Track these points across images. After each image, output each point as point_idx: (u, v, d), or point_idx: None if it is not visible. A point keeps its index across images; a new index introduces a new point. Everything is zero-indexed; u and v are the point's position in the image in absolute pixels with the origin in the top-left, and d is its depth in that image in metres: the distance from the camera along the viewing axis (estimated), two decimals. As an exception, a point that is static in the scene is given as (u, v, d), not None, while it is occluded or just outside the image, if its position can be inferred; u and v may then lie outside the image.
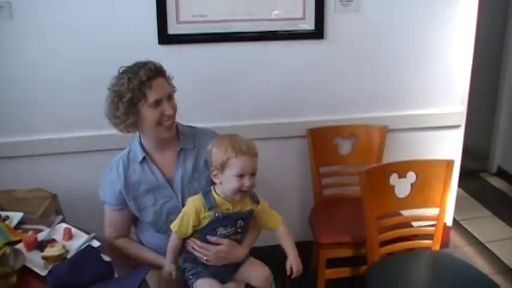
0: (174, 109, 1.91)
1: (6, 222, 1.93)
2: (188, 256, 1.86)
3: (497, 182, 4.14)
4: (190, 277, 1.84)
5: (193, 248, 1.83)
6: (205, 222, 1.80)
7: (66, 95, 2.56)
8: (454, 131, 3.03)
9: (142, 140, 1.98)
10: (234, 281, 1.94)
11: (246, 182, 1.75)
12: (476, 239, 3.31)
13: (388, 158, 2.81)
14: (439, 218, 2.33)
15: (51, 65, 2.50)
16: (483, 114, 4.10)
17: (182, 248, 1.88)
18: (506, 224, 3.48)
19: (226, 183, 1.78)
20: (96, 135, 2.58)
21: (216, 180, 1.81)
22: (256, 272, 1.90)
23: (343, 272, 2.59)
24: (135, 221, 2.07)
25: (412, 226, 2.45)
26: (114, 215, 2.02)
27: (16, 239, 1.81)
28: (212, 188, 1.83)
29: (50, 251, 1.72)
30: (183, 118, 2.03)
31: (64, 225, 1.94)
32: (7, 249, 1.68)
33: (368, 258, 2.30)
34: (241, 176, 1.75)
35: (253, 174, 1.77)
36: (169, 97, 1.90)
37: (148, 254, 2.01)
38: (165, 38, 2.55)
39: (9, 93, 2.51)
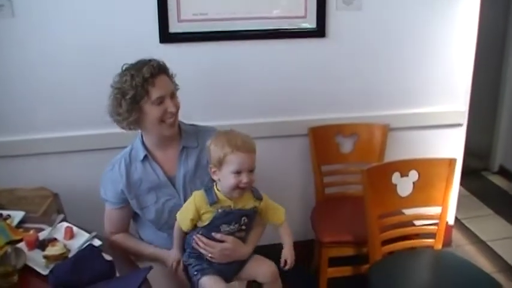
0: (177, 107, 1.91)
1: (8, 221, 1.93)
2: (193, 252, 1.86)
3: (499, 181, 4.14)
4: (196, 273, 1.83)
5: (198, 245, 1.82)
6: (207, 218, 1.79)
7: (67, 94, 2.55)
8: (456, 130, 3.03)
9: (144, 139, 1.98)
10: (237, 279, 1.93)
11: (244, 178, 1.74)
12: (478, 238, 3.31)
13: (390, 156, 2.81)
14: (441, 216, 2.32)
15: (52, 64, 2.50)
16: (485, 112, 4.09)
17: (187, 243, 1.88)
18: (508, 223, 3.47)
19: (224, 180, 1.77)
20: (97, 133, 2.58)
21: (214, 177, 1.81)
22: (263, 268, 1.90)
23: (345, 270, 2.58)
24: (134, 216, 2.07)
25: (414, 225, 2.45)
26: (114, 213, 2.02)
27: (17, 238, 1.81)
28: (214, 184, 1.83)
29: (52, 250, 1.72)
30: (185, 116, 2.03)
31: (65, 224, 1.94)
32: (8, 249, 1.68)
33: (370, 257, 2.29)
34: (238, 172, 1.74)
35: (251, 170, 1.76)
36: (172, 95, 1.90)
37: (148, 248, 2.02)
38: (166, 36, 2.54)
39: (11, 91, 2.51)
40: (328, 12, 2.67)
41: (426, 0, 2.75)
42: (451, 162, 2.27)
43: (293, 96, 2.78)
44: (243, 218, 1.82)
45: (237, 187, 1.76)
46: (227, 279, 1.87)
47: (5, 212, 2.02)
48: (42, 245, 1.78)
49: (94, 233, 1.88)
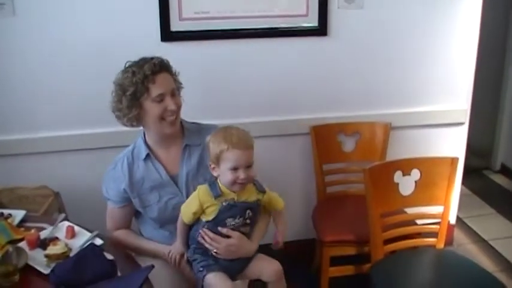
0: (178, 105, 1.90)
1: (9, 220, 1.93)
2: (198, 247, 1.85)
3: (500, 180, 4.13)
4: (201, 269, 1.83)
5: (204, 239, 1.82)
6: (211, 212, 1.79)
7: (69, 92, 2.55)
8: (458, 129, 3.02)
9: (146, 137, 1.98)
10: (242, 278, 1.93)
11: (241, 174, 1.75)
12: (480, 237, 3.30)
13: (392, 155, 2.80)
14: (443, 215, 2.32)
15: (54, 62, 2.50)
16: (486, 111, 4.09)
17: (192, 239, 1.88)
18: (510, 222, 3.47)
19: (222, 176, 1.79)
20: (99, 132, 2.58)
21: (214, 174, 1.82)
22: (268, 267, 1.90)
23: (347, 270, 2.58)
24: (136, 214, 2.06)
25: (416, 224, 2.44)
26: (116, 212, 2.02)
27: (19, 237, 1.81)
28: (216, 179, 1.84)
29: (53, 249, 1.71)
30: (186, 115, 2.02)
31: (67, 223, 1.94)
32: (10, 248, 1.67)
33: (372, 256, 2.29)
34: (235, 169, 1.75)
35: (248, 166, 1.77)
36: (173, 93, 1.90)
37: (149, 244, 2.01)
38: (167, 35, 2.54)
39: (12, 90, 2.50)
40: (329, 11, 2.66)
41: (428, 0, 2.75)
42: (453, 161, 2.27)
43: (295, 95, 2.78)
44: (247, 212, 1.82)
45: (235, 183, 1.77)
46: (232, 276, 1.86)
47: (6, 211, 2.01)
48: (43, 244, 1.77)
49: (95, 232, 1.88)
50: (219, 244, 1.80)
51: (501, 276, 2.74)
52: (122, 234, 2.04)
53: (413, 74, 2.87)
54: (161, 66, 1.87)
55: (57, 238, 1.82)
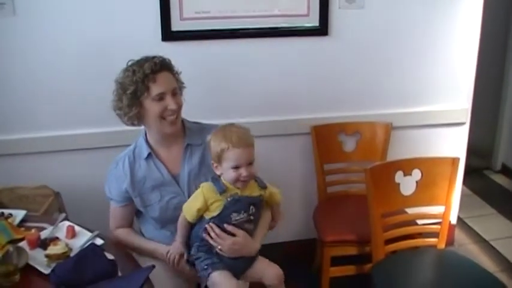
0: (179, 104, 1.90)
1: (9, 220, 1.93)
2: (202, 245, 1.85)
3: (501, 180, 4.13)
4: (206, 267, 1.82)
5: (209, 235, 1.81)
6: (216, 207, 1.79)
7: (69, 92, 2.54)
8: (459, 128, 3.02)
9: (147, 136, 1.98)
10: (244, 279, 1.92)
11: (243, 172, 1.77)
12: (481, 237, 3.30)
13: (393, 155, 2.80)
14: (444, 216, 2.32)
15: (54, 62, 2.49)
16: (487, 111, 4.08)
17: (195, 237, 1.87)
18: (511, 222, 3.46)
19: (225, 174, 1.80)
20: (99, 132, 2.57)
21: (217, 172, 1.83)
22: (270, 270, 1.89)
23: (348, 270, 2.58)
24: (137, 213, 2.07)
25: (417, 224, 2.44)
26: (118, 211, 2.03)
27: (19, 237, 1.81)
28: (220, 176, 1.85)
29: (53, 249, 1.71)
30: (187, 115, 2.02)
31: (67, 223, 1.93)
32: (10, 247, 1.67)
33: (373, 256, 2.29)
34: (237, 167, 1.77)
35: (250, 163, 1.78)
36: (174, 92, 1.90)
37: (149, 244, 2.01)
38: (168, 34, 2.53)
39: (12, 90, 2.50)
40: (330, 11, 2.66)
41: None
42: (454, 161, 2.26)
43: (296, 95, 2.78)
44: (251, 207, 1.83)
45: (238, 180, 1.78)
46: (235, 276, 1.85)
47: (6, 211, 2.01)
48: (43, 244, 1.77)
49: (96, 232, 1.88)
50: (224, 241, 1.80)
51: (502, 277, 2.74)
52: (122, 233, 2.04)
53: (414, 74, 2.87)
54: (162, 65, 1.87)
55: (57, 238, 1.82)
